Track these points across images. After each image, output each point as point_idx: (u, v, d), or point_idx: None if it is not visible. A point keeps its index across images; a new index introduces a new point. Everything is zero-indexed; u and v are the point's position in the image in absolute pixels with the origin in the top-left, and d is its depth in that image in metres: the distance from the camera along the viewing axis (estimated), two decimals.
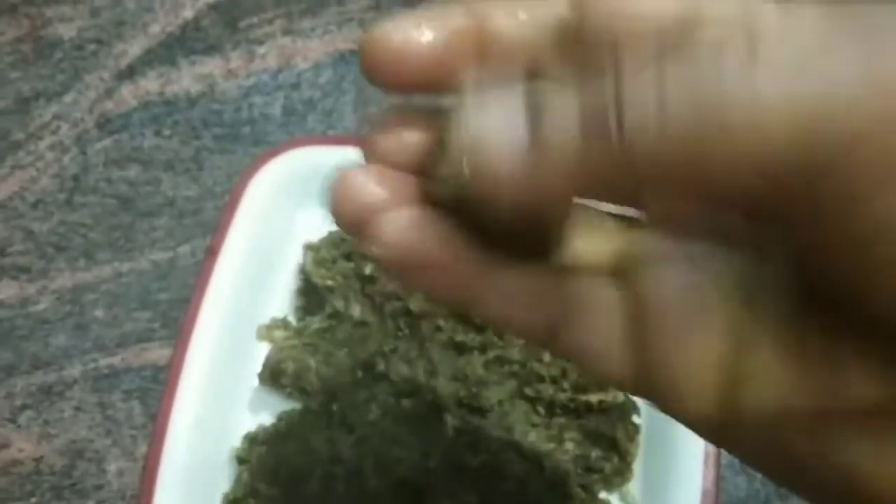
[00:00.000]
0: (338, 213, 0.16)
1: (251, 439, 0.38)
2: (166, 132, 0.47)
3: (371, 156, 0.17)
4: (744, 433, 0.15)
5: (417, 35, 0.16)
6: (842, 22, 0.11)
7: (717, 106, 0.11)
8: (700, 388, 0.15)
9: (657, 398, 0.16)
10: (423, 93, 0.16)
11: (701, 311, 0.15)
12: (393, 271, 0.15)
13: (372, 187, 0.15)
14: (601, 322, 0.16)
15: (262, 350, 0.40)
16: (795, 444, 0.14)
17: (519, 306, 0.16)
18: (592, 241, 0.17)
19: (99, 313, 0.43)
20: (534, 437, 0.36)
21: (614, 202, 0.16)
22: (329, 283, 0.40)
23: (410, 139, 0.16)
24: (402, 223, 0.15)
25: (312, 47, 0.49)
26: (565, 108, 0.12)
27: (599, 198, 0.15)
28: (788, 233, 0.13)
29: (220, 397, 0.39)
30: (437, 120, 0.15)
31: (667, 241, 0.16)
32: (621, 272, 0.16)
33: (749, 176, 0.12)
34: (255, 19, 0.49)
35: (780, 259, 0.14)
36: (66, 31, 0.51)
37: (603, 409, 0.37)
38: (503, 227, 0.14)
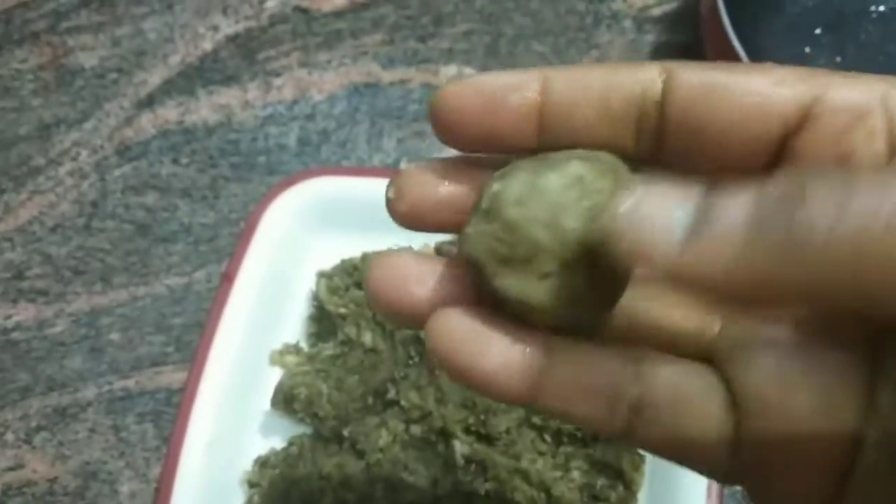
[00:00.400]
0: (380, 302, 0.16)
1: (262, 463, 0.39)
2: (184, 160, 0.48)
3: (401, 196, 0.17)
4: None
5: (503, 100, 0.16)
6: None
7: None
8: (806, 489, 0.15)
9: (754, 489, 0.15)
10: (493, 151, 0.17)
11: (808, 408, 0.14)
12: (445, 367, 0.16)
13: (417, 276, 0.16)
14: (695, 411, 0.15)
15: (275, 375, 0.41)
16: None
17: (587, 396, 0.15)
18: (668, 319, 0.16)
19: (114, 336, 0.44)
20: (541, 465, 0.37)
21: (740, 305, 0.16)
22: (342, 310, 0.40)
23: (450, 196, 0.17)
24: (455, 324, 0.16)
25: (327, 79, 0.50)
26: (737, 208, 0.12)
27: (733, 301, 0.15)
28: None
29: (232, 421, 0.39)
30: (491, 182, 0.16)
31: (768, 328, 0.15)
32: (715, 357, 0.16)
33: None
34: (272, 52, 0.51)
35: None
36: (88, 60, 0.52)
37: (609, 439, 0.37)
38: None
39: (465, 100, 0.16)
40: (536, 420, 0.38)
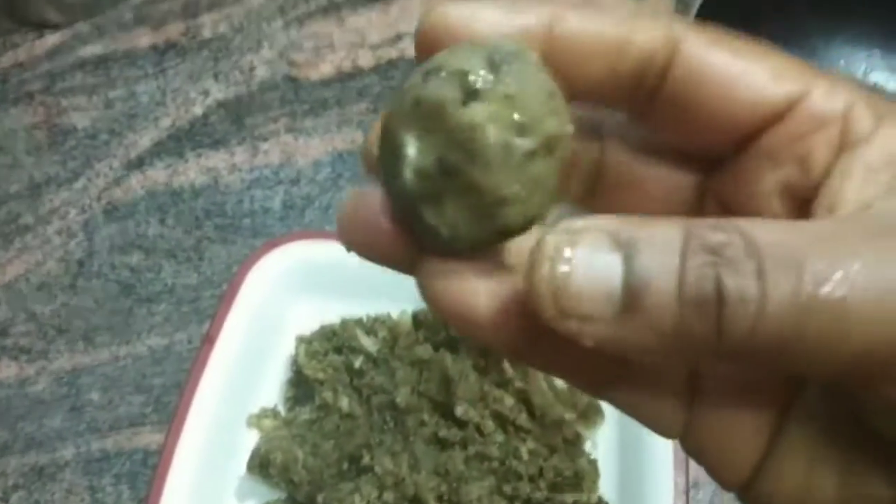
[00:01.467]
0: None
1: None
2: (170, 221, 0.49)
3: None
4: None
5: None
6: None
7: (814, 317, 0.12)
8: (736, 465, 0.15)
9: (701, 461, 0.16)
10: None
11: (751, 392, 0.15)
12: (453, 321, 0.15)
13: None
14: (660, 380, 0.16)
15: (252, 438, 0.41)
16: None
17: (579, 360, 0.15)
18: None
19: (94, 396, 0.44)
20: None
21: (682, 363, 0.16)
22: (320, 374, 0.41)
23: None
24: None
25: (313, 145, 0.51)
26: (667, 273, 0.13)
27: (668, 359, 0.15)
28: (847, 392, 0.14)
29: (208, 484, 0.40)
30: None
31: None
32: None
33: (832, 366, 0.13)
34: (260, 117, 0.52)
35: (828, 397, 0.15)
36: (81, 121, 0.54)
37: None
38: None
39: (457, 28, 0.15)
40: (507, 489, 0.38)
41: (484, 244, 0.15)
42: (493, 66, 0.14)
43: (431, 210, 0.14)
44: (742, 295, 0.12)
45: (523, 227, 0.14)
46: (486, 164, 0.14)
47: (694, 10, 0.46)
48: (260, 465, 0.40)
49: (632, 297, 0.13)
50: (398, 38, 0.54)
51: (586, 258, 0.13)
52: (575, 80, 0.15)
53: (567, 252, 0.13)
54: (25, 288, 0.48)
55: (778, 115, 0.15)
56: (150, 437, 0.43)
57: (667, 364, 0.16)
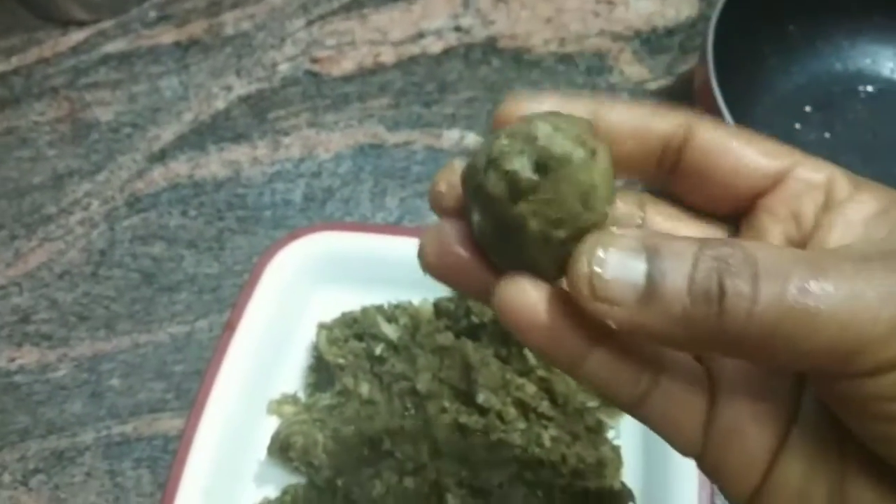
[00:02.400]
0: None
1: None
2: (192, 213, 0.50)
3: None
4: None
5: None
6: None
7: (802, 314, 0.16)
8: (747, 478, 0.19)
9: (715, 477, 0.19)
10: None
11: (761, 404, 0.19)
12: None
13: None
14: (684, 395, 0.19)
15: (272, 424, 0.41)
16: None
17: (617, 373, 0.18)
18: None
19: (115, 382, 0.44)
20: None
21: (692, 352, 0.20)
22: (340, 361, 0.41)
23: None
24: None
25: (334, 139, 0.52)
26: (681, 272, 0.16)
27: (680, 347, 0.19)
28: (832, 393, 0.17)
29: (228, 469, 0.40)
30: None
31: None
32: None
33: (805, 355, 0.16)
34: (282, 112, 0.53)
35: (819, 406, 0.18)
36: (104, 115, 0.54)
37: (600, 495, 0.38)
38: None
39: (526, 110, 0.20)
40: (529, 475, 0.38)
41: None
42: (540, 168, 0.17)
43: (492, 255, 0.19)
44: (739, 292, 0.16)
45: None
46: (529, 244, 0.18)
47: (717, 13, 0.46)
48: (280, 448, 0.39)
49: (651, 287, 0.16)
50: (420, 35, 0.54)
51: (618, 255, 0.17)
52: (616, 156, 0.19)
53: (602, 252, 0.17)
54: (48, 276, 0.48)
55: (774, 183, 0.20)
56: (170, 423, 0.43)
57: (679, 353, 0.19)
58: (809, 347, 0.16)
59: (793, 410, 0.19)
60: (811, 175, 0.19)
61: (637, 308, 0.17)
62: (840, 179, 0.19)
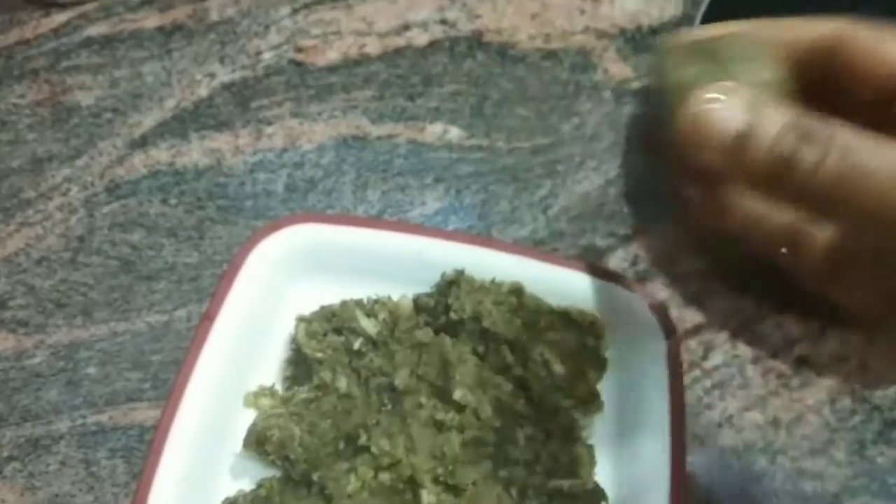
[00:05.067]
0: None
1: None
2: (172, 201, 0.49)
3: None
4: None
5: None
6: None
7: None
8: None
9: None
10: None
11: None
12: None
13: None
14: None
15: (248, 417, 0.41)
16: None
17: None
18: None
19: (91, 371, 0.44)
20: None
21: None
22: (318, 354, 0.41)
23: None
24: None
25: (317, 130, 0.51)
26: (770, 131, 0.22)
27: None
28: None
29: (203, 461, 0.40)
30: None
31: None
32: None
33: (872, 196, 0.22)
34: (265, 101, 0.52)
35: None
36: (85, 99, 0.54)
37: (573, 495, 0.38)
38: None
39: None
40: (503, 473, 0.39)
41: None
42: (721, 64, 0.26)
43: None
44: (808, 156, 0.21)
45: None
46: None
47: (701, 12, 0.46)
48: (256, 441, 0.40)
49: (743, 136, 0.22)
50: (406, 27, 0.54)
51: (725, 105, 0.23)
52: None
53: (712, 100, 0.23)
54: (25, 262, 0.48)
55: None
56: (146, 413, 0.43)
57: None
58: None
59: None
60: None
61: (728, 150, 0.22)
62: None
